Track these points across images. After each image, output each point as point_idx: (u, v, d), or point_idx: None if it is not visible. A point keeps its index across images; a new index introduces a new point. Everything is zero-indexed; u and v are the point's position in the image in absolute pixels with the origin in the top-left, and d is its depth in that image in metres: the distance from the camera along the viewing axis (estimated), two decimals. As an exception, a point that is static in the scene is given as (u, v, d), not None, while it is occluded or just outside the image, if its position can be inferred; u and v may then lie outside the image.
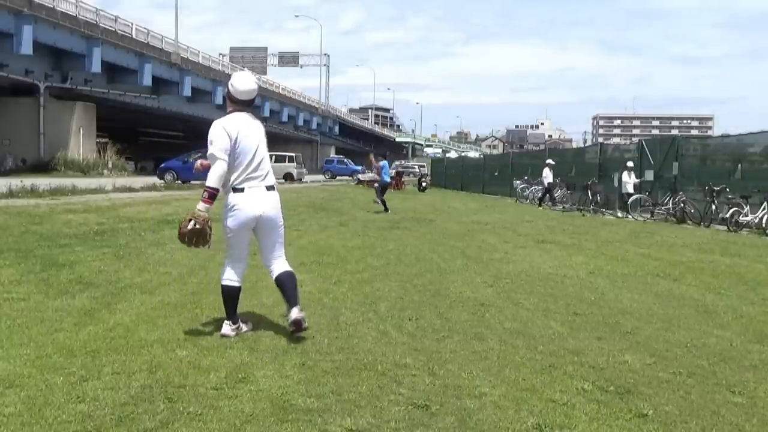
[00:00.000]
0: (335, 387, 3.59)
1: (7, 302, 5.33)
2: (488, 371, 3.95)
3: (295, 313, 4.49)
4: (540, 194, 23.75)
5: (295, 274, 4.72)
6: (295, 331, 4.49)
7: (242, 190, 4.45)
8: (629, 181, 19.25)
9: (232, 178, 4.46)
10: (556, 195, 23.80)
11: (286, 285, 4.62)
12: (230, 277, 4.60)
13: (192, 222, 4.33)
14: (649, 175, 19.46)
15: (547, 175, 23.38)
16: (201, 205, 4.34)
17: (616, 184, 20.53)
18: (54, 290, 5.86)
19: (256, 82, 4.77)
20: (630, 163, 19.58)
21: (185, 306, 5.39)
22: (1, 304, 5.25)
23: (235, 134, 4.44)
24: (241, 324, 4.62)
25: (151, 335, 4.47)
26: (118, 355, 4.01)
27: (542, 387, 3.69)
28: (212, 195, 4.36)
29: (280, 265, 4.67)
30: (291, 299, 4.57)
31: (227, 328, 4.53)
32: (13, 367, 3.73)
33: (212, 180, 4.33)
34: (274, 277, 4.66)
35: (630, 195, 18.85)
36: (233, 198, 4.47)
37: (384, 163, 19.49)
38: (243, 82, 4.56)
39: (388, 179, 19.23)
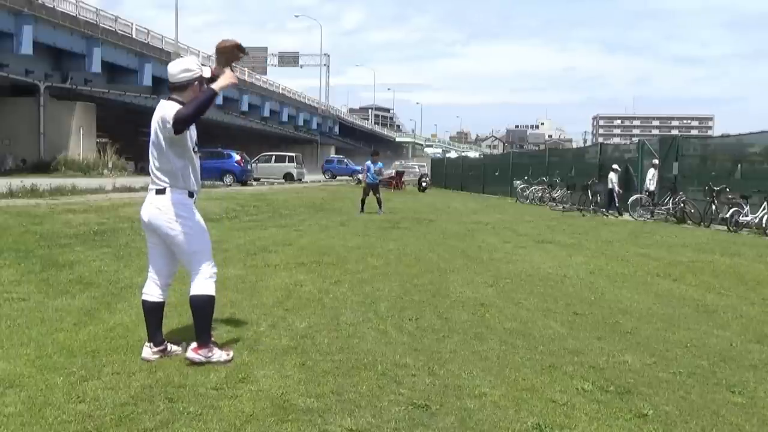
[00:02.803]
0: (335, 387, 3.58)
1: (7, 302, 5.33)
2: (488, 371, 3.95)
3: (189, 351, 3.91)
4: (616, 202, 20.14)
5: (203, 300, 3.97)
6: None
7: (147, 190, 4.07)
8: (653, 179, 18.90)
9: None
10: (555, 195, 23.80)
11: (192, 312, 4.04)
12: (147, 291, 4.12)
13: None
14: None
15: (615, 180, 20.47)
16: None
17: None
18: (54, 290, 5.86)
19: (189, 65, 4.02)
20: (655, 161, 19.24)
21: (185, 306, 5.35)
22: (1, 304, 5.26)
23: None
24: (170, 346, 4.10)
25: (151, 335, 4.46)
26: (118, 355, 4.00)
27: (542, 387, 3.69)
28: None
29: (193, 284, 4.00)
30: (195, 329, 4.00)
31: (147, 351, 4.01)
32: (13, 367, 3.73)
33: None
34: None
35: (651, 193, 18.64)
36: None
37: (368, 163, 18.30)
38: (171, 65, 4.06)
39: (372, 180, 17.95)
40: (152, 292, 4.10)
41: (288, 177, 42.32)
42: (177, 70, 3.98)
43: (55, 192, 18.36)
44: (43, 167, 38.03)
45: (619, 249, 10.52)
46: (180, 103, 3.88)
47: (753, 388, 3.80)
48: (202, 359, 3.88)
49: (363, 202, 17.56)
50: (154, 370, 3.75)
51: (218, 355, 3.95)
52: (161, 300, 4.13)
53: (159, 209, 3.92)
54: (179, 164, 3.94)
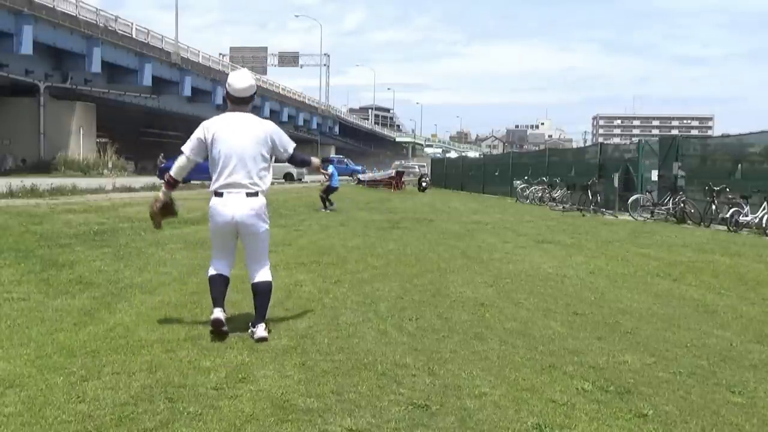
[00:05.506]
0: (335, 387, 3.58)
1: (7, 302, 5.32)
2: (488, 371, 3.94)
3: (260, 331, 4.43)
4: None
5: (270, 286, 4.70)
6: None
7: (221, 194, 4.47)
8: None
9: (214, 181, 4.50)
10: (555, 195, 23.79)
11: (258, 297, 4.62)
12: (213, 269, 4.65)
13: (153, 201, 4.86)
14: (654, 175, 19.45)
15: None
16: (162, 190, 4.79)
17: (616, 183, 20.54)
18: (54, 290, 5.86)
19: (253, 80, 4.68)
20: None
21: (185, 306, 5.38)
22: (1, 304, 5.25)
23: (211, 135, 4.47)
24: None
25: (151, 335, 4.47)
26: (118, 355, 4.00)
27: (542, 387, 3.69)
28: (169, 183, 4.71)
29: (258, 273, 4.65)
30: (258, 312, 4.55)
31: (219, 313, 4.44)
32: (13, 367, 3.73)
33: (173, 170, 4.65)
34: (251, 282, 4.70)
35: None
36: (212, 201, 4.54)
37: (332, 168, 18.73)
38: (237, 80, 4.54)
39: (336, 185, 18.67)
40: (218, 269, 4.62)
41: (288, 177, 42.30)
42: (245, 85, 4.54)
43: (55, 192, 18.40)
44: (43, 167, 38.10)
45: (619, 249, 10.51)
46: None
47: (753, 388, 3.79)
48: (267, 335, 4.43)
49: (322, 200, 18.13)
50: (154, 370, 3.74)
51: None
52: (226, 275, 4.65)
53: (252, 210, 4.46)
54: (270, 174, 4.64)
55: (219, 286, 4.59)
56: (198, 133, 4.54)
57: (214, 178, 4.51)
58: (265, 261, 4.68)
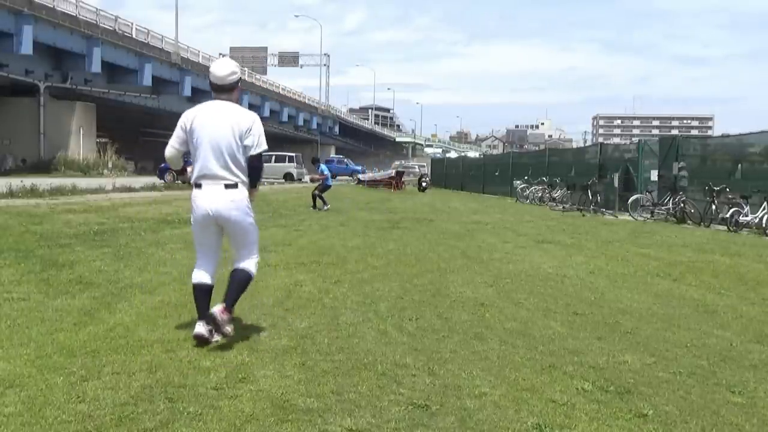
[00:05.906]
0: (335, 387, 3.58)
1: (7, 302, 5.32)
2: (488, 371, 3.94)
3: (216, 308, 4.25)
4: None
5: (248, 278, 4.48)
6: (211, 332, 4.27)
7: (200, 186, 4.31)
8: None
9: (194, 172, 4.37)
10: (555, 195, 23.79)
11: (230, 282, 4.42)
12: (196, 276, 4.44)
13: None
14: (654, 175, 19.44)
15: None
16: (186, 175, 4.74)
17: (616, 183, 20.53)
18: (54, 290, 5.86)
19: (235, 67, 4.46)
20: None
21: (185, 306, 5.37)
22: (1, 304, 5.25)
23: (189, 124, 4.35)
24: (215, 333, 4.33)
25: (151, 335, 4.46)
26: (118, 355, 4.00)
27: (542, 387, 3.69)
28: (179, 172, 4.87)
29: (240, 264, 4.47)
30: (226, 295, 4.37)
31: (202, 327, 4.25)
32: (13, 367, 3.73)
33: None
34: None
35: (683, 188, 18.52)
36: (192, 193, 4.39)
37: (323, 167, 19.44)
38: (217, 67, 4.39)
39: (330, 183, 19.39)
40: (201, 276, 4.43)
41: (288, 177, 42.33)
42: (225, 72, 4.36)
43: (55, 192, 18.40)
44: (43, 167, 38.12)
45: (619, 249, 10.51)
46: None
47: (753, 388, 3.80)
48: (225, 320, 4.26)
49: (318, 198, 18.44)
50: (154, 370, 3.74)
51: (230, 329, 4.35)
52: (210, 283, 4.46)
53: (232, 203, 4.28)
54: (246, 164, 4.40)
55: (200, 299, 4.38)
56: (180, 123, 4.42)
57: (195, 168, 4.36)
58: (250, 252, 4.48)
